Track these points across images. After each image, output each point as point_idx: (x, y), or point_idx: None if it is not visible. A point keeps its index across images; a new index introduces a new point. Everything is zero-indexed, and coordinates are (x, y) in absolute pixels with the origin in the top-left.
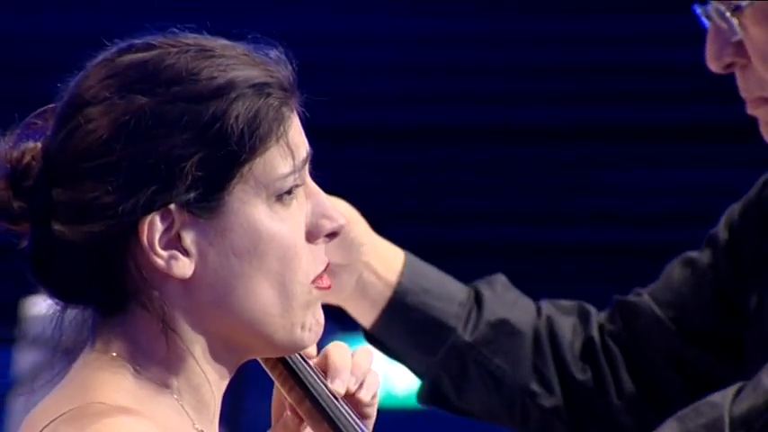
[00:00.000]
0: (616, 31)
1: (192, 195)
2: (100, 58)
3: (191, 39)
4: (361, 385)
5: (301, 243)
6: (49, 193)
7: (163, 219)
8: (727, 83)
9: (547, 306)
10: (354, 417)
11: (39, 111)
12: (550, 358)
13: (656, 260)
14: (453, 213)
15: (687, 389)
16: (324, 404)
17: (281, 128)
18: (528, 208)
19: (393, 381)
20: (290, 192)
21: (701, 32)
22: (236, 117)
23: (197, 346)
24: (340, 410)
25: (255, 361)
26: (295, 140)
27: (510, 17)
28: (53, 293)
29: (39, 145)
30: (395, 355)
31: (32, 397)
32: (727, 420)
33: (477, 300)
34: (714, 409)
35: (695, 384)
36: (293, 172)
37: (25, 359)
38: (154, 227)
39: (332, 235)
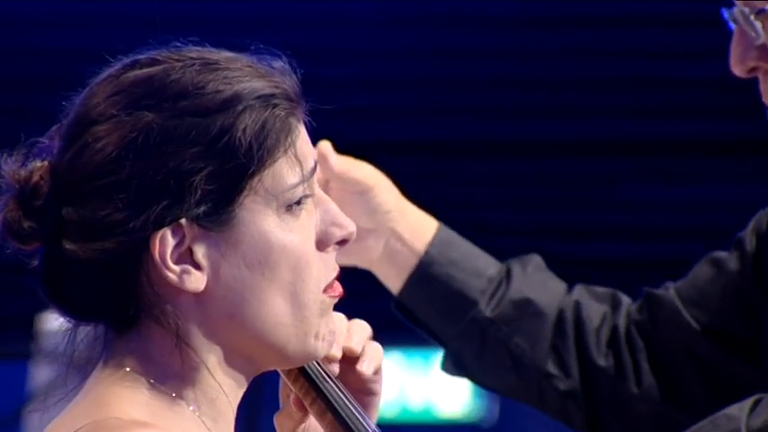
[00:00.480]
0: (632, 45)
1: (202, 209)
2: (104, 75)
3: (194, 52)
4: (361, 358)
5: (312, 252)
6: (59, 212)
7: (174, 233)
8: (744, 97)
9: (579, 290)
10: (376, 429)
11: (49, 131)
12: (572, 342)
13: (669, 275)
14: (465, 227)
15: (704, 384)
16: (346, 417)
17: (289, 139)
18: (542, 222)
19: (408, 395)
20: (299, 202)
21: (717, 47)
22: (244, 129)
23: (211, 359)
24: (362, 423)
25: (271, 373)
26: (303, 151)
27: (525, 31)
28: (65, 311)
29: (46, 164)
30: (421, 324)
31: (47, 412)
32: None
33: (507, 277)
34: (731, 421)
35: (712, 381)
36: (302, 182)
37: (40, 374)
38: (165, 242)
39: (342, 242)
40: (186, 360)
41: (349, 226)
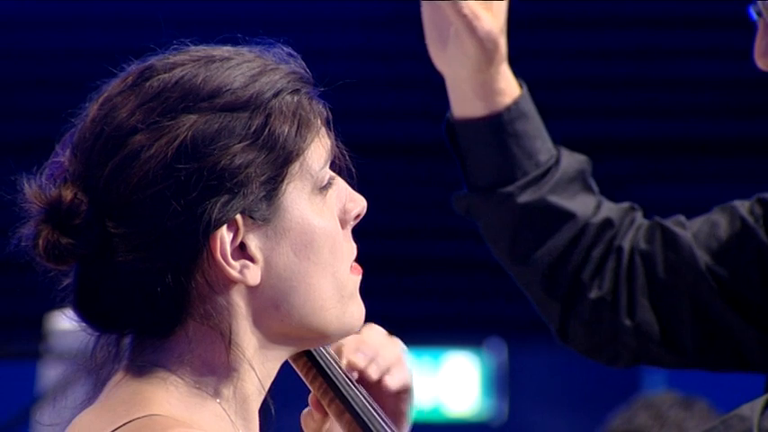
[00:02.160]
0: (641, 45)
1: (255, 201)
2: (118, 87)
3: (199, 51)
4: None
5: (340, 232)
6: (103, 227)
7: (229, 229)
8: (755, 97)
9: (606, 207)
10: (393, 429)
11: (58, 151)
12: (576, 265)
13: None
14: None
15: (699, 332)
16: (363, 417)
17: (318, 121)
18: None
19: (417, 395)
20: (328, 184)
21: (728, 47)
22: (281, 118)
23: (251, 351)
24: (380, 423)
25: (284, 374)
26: (325, 131)
27: (533, 31)
28: (102, 326)
29: (72, 182)
30: (458, 155)
31: (58, 411)
32: None
33: (552, 169)
34: (743, 422)
35: (709, 331)
36: (327, 162)
37: (50, 374)
38: (224, 239)
39: (357, 217)
40: (229, 355)
41: (362, 200)
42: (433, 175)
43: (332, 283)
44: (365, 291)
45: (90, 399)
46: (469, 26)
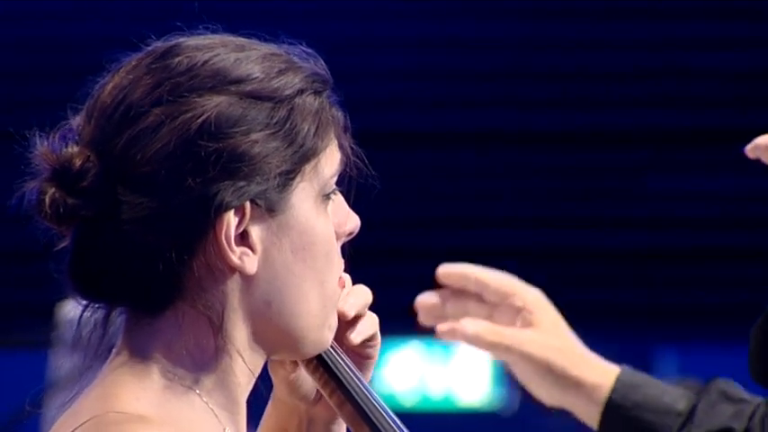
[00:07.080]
0: (656, 36)
1: (267, 191)
2: (147, 61)
3: (226, 37)
4: (352, 326)
5: (335, 243)
6: (113, 192)
7: (236, 214)
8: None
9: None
10: (396, 420)
11: (76, 114)
12: None
13: (693, 266)
14: (487, 218)
15: None
16: (367, 409)
17: (339, 126)
18: (571, 213)
19: (428, 384)
20: (332, 193)
21: (744, 38)
22: (303, 115)
23: (238, 344)
24: (383, 415)
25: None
26: (342, 141)
27: (548, 22)
28: (93, 295)
29: (84, 146)
30: None
31: (66, 401)
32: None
33: (692, 413)
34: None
35: None
36: (336, 173)
37: (61, 363)
38: (231, 223)
39: (350, 234)
40: (215, 345)
41: (356, 218)
42: (444, 165)
43: (319, 291)
44: (380, 281)
45: (85, 386)
46: None
